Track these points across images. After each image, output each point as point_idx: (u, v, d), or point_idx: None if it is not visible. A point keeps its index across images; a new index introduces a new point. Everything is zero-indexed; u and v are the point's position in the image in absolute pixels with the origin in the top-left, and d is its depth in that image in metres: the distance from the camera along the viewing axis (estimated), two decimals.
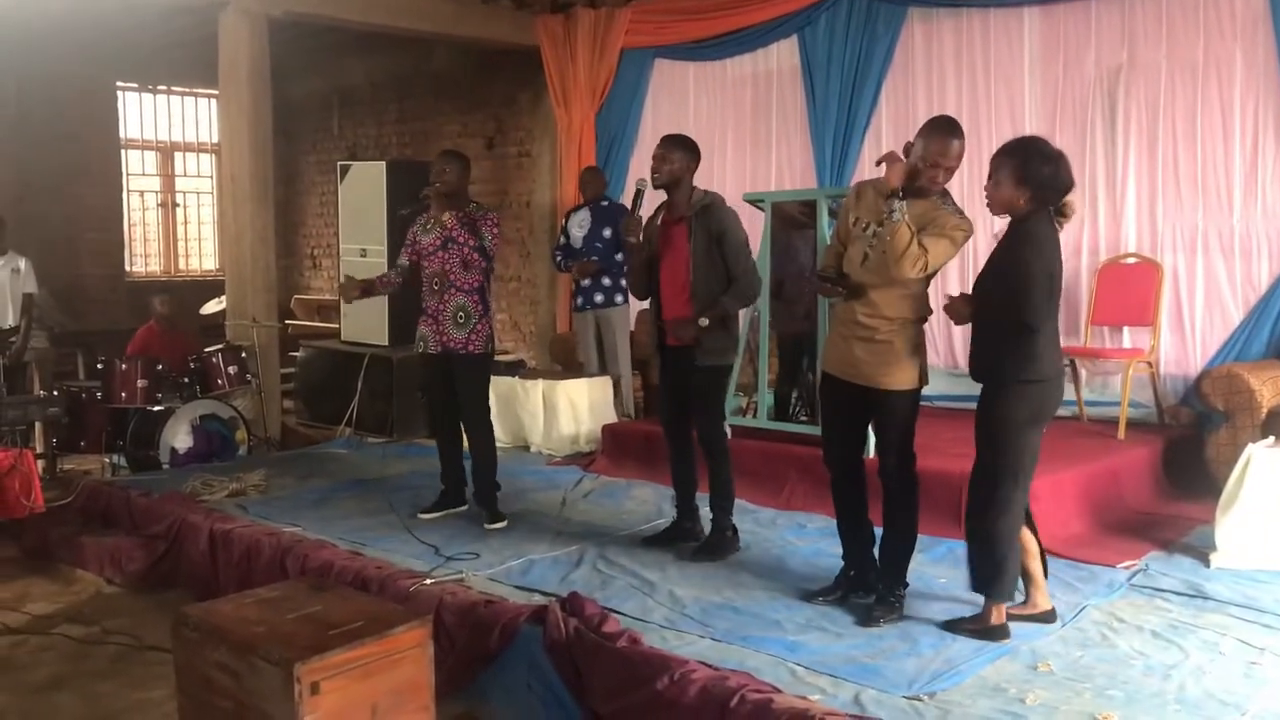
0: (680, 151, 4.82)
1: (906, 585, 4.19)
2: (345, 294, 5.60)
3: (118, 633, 4.72)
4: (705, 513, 5.04)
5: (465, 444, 5.65)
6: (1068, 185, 3.80)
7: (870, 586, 4.25)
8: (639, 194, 4.90)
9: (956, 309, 3.94)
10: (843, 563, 4.38)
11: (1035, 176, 3.73)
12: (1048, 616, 4.02)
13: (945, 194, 4.05)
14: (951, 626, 3.94)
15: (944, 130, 3.95)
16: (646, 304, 8.24)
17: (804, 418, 6.13)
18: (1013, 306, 3.72)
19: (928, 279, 4.01)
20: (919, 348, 4.08)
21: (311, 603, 3.54)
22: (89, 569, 5.55)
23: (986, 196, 3.86)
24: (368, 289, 5.56)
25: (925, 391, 7.10)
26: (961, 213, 4.00)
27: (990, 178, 3.84)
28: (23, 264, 7.36)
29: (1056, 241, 3.80)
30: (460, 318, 5.35)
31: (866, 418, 4.27)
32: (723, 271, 4.79)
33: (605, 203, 7.85)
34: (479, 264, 5.34)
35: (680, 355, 4.86)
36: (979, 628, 3.89)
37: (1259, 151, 6.16)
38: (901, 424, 4.12)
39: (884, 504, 4.18)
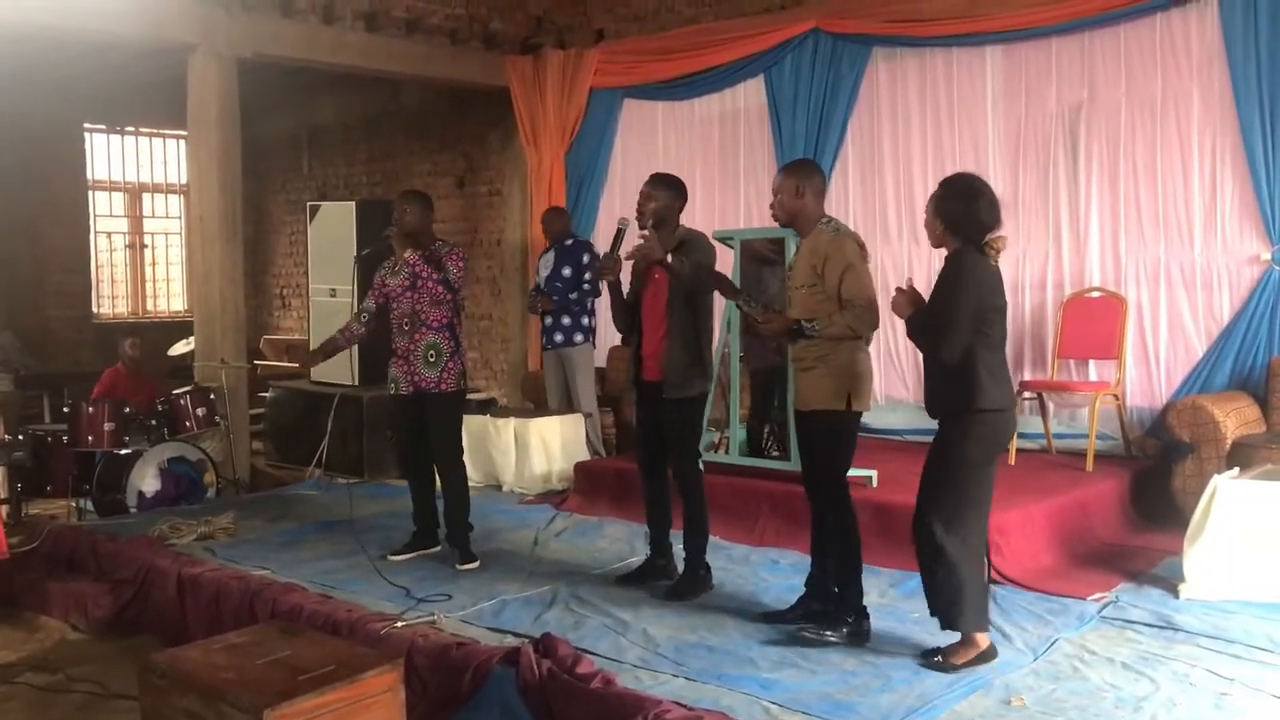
0: (664, 190, 4.87)
1: (864, 615, 4.24)
2: (309, 364, 5.57)
3: (83, 680, 4.63)
4: (678, 550, 5.04)
5: (437, 484, 5.64)
6: (983, 223, 3.86)
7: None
8: (620, 233, 4.91)
9: (897, 304, 4.02)
10: (804, 588, 4.52)
11: (945, 211, 3.89)
12: (985, 655, 3.97)
13: (829, 220, 4.40)
14: (935, 665, 3.90)
15: (782, 170, 4.52)
16: (619, 340, 8.33)
17: (775, 453, 6.14)
18: (934, 340, 3.84)
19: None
20: (850, 374, 4.22)
21: (281, 647, 3.51)
22: (54, 615, 5.46)
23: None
24: (329, 349, 5.55)
25: (894, 425, 7.22)
26: (839, 230, 4.35)
27: None
28: None
29: (988, 277, 3.86)
30: (431, 356, 5.35)
31: (808, 442, 4.43)
32: (696, 305, 4.86)
33: (569, 241, 7.89)
34: (445, 298, 5.35)
35: (654, 389, 4.88)
36: (965, 660, 3.88)
37: (1217, 186, 6.28)
38: (825, 445, 4.29)
39: (814, 529, 4.39)
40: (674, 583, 4.91)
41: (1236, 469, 5.10)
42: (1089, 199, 6.72)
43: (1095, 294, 6.65)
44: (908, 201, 7.41)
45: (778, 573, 5.17)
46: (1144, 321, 6.55)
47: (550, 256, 7.80)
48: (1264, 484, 4.75)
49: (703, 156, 8.51)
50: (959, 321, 3.77)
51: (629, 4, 9.06)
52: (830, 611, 4.31)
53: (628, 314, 4.99)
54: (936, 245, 4.02)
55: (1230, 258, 6.26)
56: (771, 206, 4.46)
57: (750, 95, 8.24)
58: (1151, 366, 6.54)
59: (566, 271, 7.66)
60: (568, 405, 7.75)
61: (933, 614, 4.01)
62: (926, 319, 3.90)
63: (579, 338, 7.70)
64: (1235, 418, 5.76)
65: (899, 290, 4.01)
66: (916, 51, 7.38)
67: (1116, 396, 6.38)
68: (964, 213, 3.86)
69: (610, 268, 4.84)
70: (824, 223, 4.37)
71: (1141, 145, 6.53)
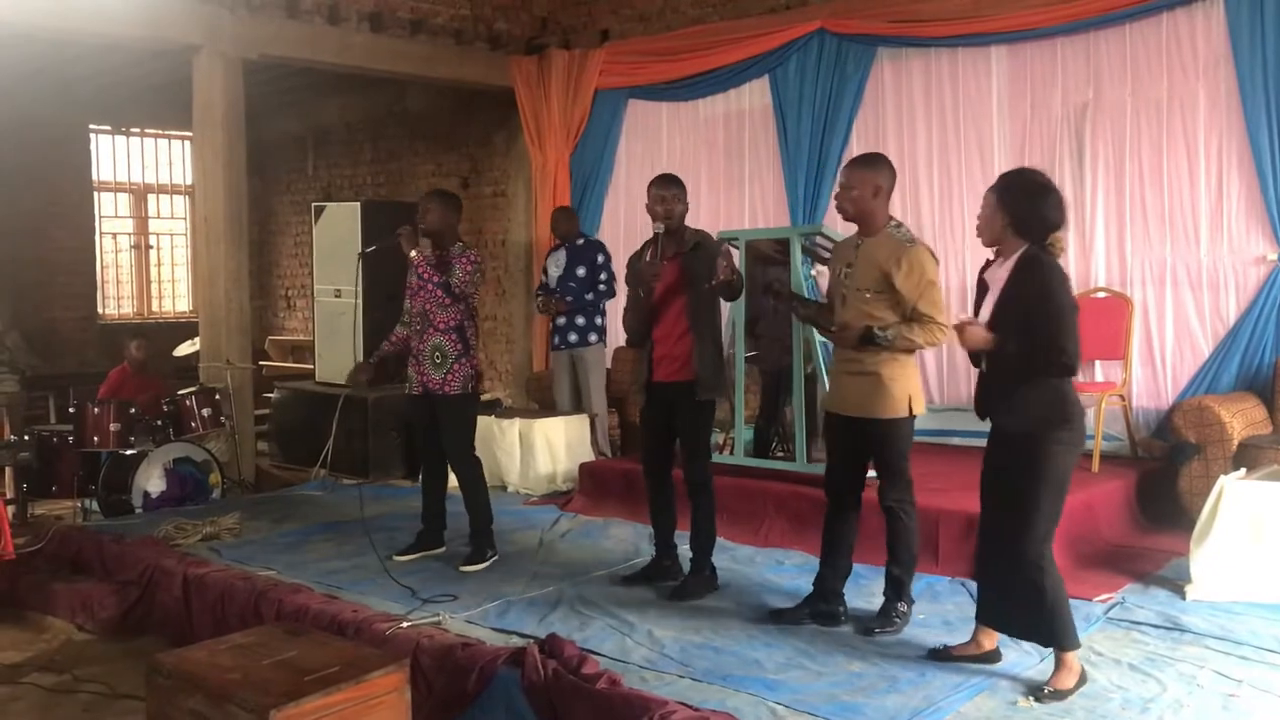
0: (683, 191, 4.88)
1: (912, 602, 4.38)
2: (354, 380, 5.56)
3: (89, 681, 4.64)
4: (683, 551, 5.03)
5: (447, 486, 5.63)
6: (1051, 221, 3.69)
7: (834, 616, 4.42)
8: (657, 238, 4.85)
9: (973, 337, 3.71)
10: (812, 587, 4.52)
11: (1011, 207, 3.72)
12: (991, 656, 3.96)
13: (899, 225, 4.32)
14: (1041, 695, 3.65)
15: (850, 162, 4.45)
16: (623, 340, 8.30)
17: (780, 454, 6.14)
18: (1051, 357, 3.59)
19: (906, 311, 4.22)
20: (908, 378, 4.25)
21: (287, 648, 3.51)
22: (60, 616, 5.47)
23: (977, 226, 3.88)
24: (379, 362, 5.54)
25: None
26: (913, 239, 4.28)
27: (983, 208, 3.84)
28: None
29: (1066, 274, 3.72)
30: (437, 358, 5.34)
31: (864, 450, 4.38)
32: (716, 307, 4.88)
33: (580, 241, 7.88)
34: (445, 302, 5.32)
35: (669, 391, 4.86)
36: (1067, 687, 3.68)
37: (1224, 187, 6.26)
38: (891, 452, 4.29)
39: (886, 529, 4.36)
40: (680, 584, 4.90)
41: (1243, 470, 5.09)
42: (1095, 200, 6.71)
43: (1101, 295, 6.64)
44: (912, 202, 7.39)
45: (783, 573, 5.17)
46: (1150, 322, 6.53)
47: (561, 255, 7.78)
48: (1271, 485, 4.73)
49: (707, 157, 8.51)
50: (1071, 326, 3.58)
51: (634, 4, 9.06)
52: (840, 611, 4.44)
53: (651, 321, 4.93)
54: (991, 243, 3.82)
55: (1236, 258, 6.25)
56: (838, 199, 4.35)
57: (755, 96, 8.23)
58: (1157, 367, 6.52)
59: (581, 271, 7.65)
60: (576, 405, 7.74)
61: (1028, 639, 3.89)
62: (1029, 338, 3.60)
63: (593, 338, 7.70)
64: (1242, 418, 5.75)
65: (965, 324, 3.70)
66: (921, 52, 7.37)
67: (1122, 397, 6.37)
68: (1032, 210, 3.67)
69: (657, 274, 4.78)
70: (893, 226, 4.28)
71: (1147, 146, 6.52)
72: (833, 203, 7.51)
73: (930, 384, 7.21)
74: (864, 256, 4.28)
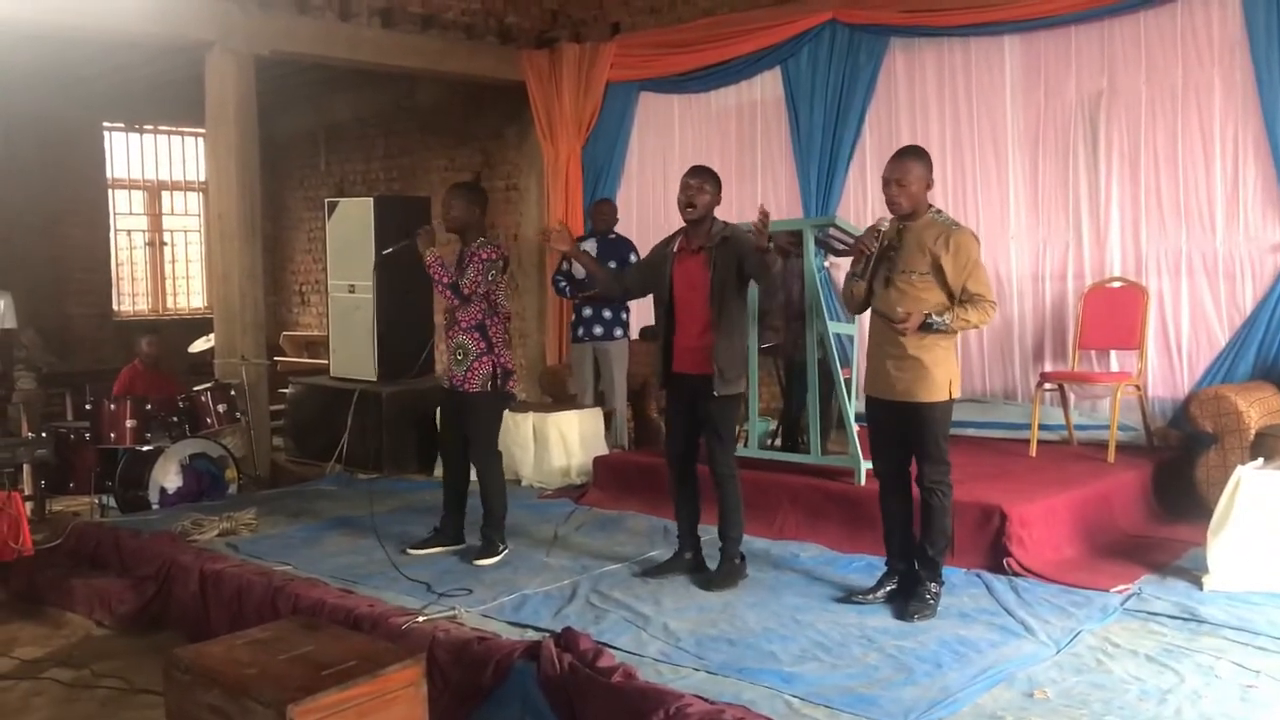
0: (712, 184, 4.86)
1: (942, 582, 4.43)
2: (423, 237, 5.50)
3: (108, 676, 4.67)
4: (709, 540, 5.03)
5: (468, 481, 5.63)
6: None
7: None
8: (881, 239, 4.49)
9: None
10: (885, 567, 4.62)
11: None
12: None
13: (939, 210, 4.44)
14: None
15: (897, 155, 4.44)
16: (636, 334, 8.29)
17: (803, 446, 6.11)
18: None
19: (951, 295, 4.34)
20: (949, 362, 4.36)
21: (303, 643, 3.53)
22: (78, 611, 5.50)
23: None
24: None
25: None
26: (957, 223, 4.43)
27: None
28: (1, 302, 7.33)
29: None
30: (459, 355, 5.35)
31: (908, 432, 4.44)
32: (742, 301, 4.89)
33: (613, 236, 7.85)
34: (453, 301, 5.33)
35: (693, 383, 4.85)
36: None
37: (1239, 174, 6.22)
38: (935, 433, 4.37)
39: (921, 509, 4.42)
40: (712, 573, 4.89)
41: (1260, 459, 5.07)
42: (1109, 188, 6.67)
43: (1116, 284, 6.60)
44: None
45: (798, 566, 5.16)
46: (1166, 311, 6.49)
47: (592, 246, 7.65)
48: None
49: (720, 149, 8.49)
50: None
51: None
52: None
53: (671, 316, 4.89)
54: None
55: (1253, 246, 6.21)
56: (893, 191, 4.35)
57: (767, 87, 8.21)
58: (1173, 356, 6.49)
59: (611, 265, 7.63)
60: (597, 398, 7.73)
61: None
62: None
63: (618, 332, 7.68)
64: (1259, 408, 5.71)
65: None
66: (934, 42, 7.34)
67: (1138, 387, 6.34)
68: None
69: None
70: (934, 212, 4.41)
71: (1162, 134, 6.48)
72: (846, 194, 7.63)
73: None
74: (910, 241, 4.38)
